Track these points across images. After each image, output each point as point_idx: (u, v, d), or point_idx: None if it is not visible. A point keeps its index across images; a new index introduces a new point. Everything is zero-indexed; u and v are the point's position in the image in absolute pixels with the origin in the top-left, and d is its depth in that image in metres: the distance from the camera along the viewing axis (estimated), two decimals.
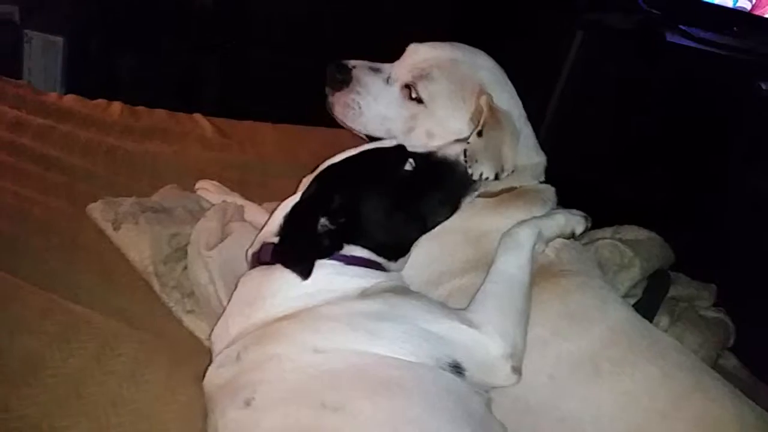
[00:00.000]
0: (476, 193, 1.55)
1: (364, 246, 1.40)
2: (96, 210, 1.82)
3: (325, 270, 1.33)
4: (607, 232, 1.86)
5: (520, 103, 1.69)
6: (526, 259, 1.44)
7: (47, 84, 3.16)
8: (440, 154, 1.51)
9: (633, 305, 1.64)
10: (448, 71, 1.60)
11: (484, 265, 1.48)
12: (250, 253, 1.47)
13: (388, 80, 1.64)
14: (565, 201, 1.70)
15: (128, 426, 1.10)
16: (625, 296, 1.69)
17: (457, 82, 1.60)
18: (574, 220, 1.59)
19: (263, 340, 1.24)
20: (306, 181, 1.51)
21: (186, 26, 3.78)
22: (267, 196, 2.03)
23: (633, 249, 1.73)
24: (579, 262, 1.57)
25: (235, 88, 3.84)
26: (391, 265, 1.46)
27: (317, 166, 1.53)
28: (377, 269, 1.41)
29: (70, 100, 2.49)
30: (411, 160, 1.47)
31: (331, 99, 1.66)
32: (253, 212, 1.87)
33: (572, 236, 1.59)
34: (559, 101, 3.73)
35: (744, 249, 2.97)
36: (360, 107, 1.63)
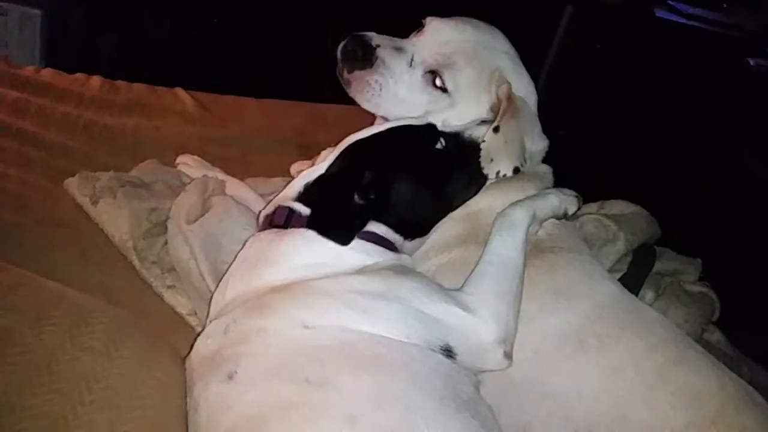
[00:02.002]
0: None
1: (386, 222, 1.39)
2: (73, 185, 1.79)
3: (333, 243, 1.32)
4: (593, 207, 1.86)
5: (534, 88, 1.66)
6: (522, 240, 1.42)
7: (25, 58, 3.09)
8: (467, 135, 1.49)
9: (618, 279, 1.64)
10: (471, 58, 1.56)
11: (474, 240, 1.47)
12: (263, 214, 1.45)
13: (411, 62, 1.57)
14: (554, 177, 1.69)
15: (102, 403, 1.07)
16: (610, 270, 1.69)
17: (480, 70, 1.56)
18: (568, 201, 1.57)
19: (252, 313, 1.22)
20: (326, 154, 1.48)
21: (168, 0, 3.71)
22: (249, 171, 2.01)
23: (617, 223, 1.73)
24: (567, 238, 1.56)
25: (218, 64, 3.78)
26: (406, 244, 1.45)
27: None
28: (387, 248, 1.39)
29: (47, 73, 2.44)
30: (442, 139, 1.46)
31: (347, 76, 1.58)
32: (235, 187, 1.84)
33: (565, 216, 1.58)
34: (548, 76, 3.71)
35: (729, 224, 2.99)
36: (380, 88, 1.56)
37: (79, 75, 2.51)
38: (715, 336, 1.88)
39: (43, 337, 1.10)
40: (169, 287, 1.63)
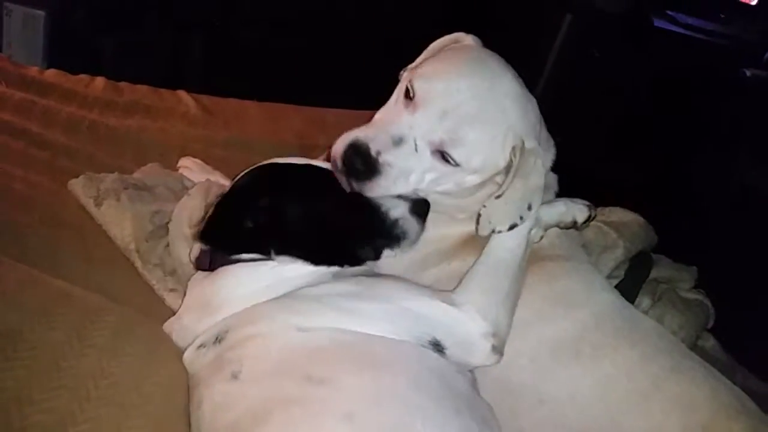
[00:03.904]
0: (404, 249, 1.45)
1: (299, 258, 1.36)
2: (77, 186, 1.80)
3: (268, 266, 1.35)
4: None
5: (536, 108, 1.54)
6: (519, 242, 1.43)
7: (29, 59, 3.09)
8: (384, 208, 1.43)
9: (615, 286, 1.65)
10: (478, 124, 1.42)
11: (474, 251, 1.47)
12: (192, 257, 1.47)
13: (416, 147, 1.43)
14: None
15: (109, 399, 1.09)
16: (608, 277, 1.70)
17: (490, 134, 1.43)
18: (576, 209, 1.55)
19: (244, 321, 1.26)
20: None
21: (170, 3, 3.73)
22: None
23: (617, 231, 1.74)
24: (568, 247, 1.57)
25: (219, 67, 3.80)
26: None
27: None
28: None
29: (51, 74, 2.45)
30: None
31: (358, 187, 1.44)
32: None
33: (574, 225, 1.55)
34: (547, 84, 3.73)
35: (725, 232, 3.01)
36: (394, 184, 1.43)
37: (83, 76, 2.52)
38: (710, 343, 1.90)
39: (50, 334, 1.12)
40: (171, 290, 1.63)
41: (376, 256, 1.44)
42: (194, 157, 2.06)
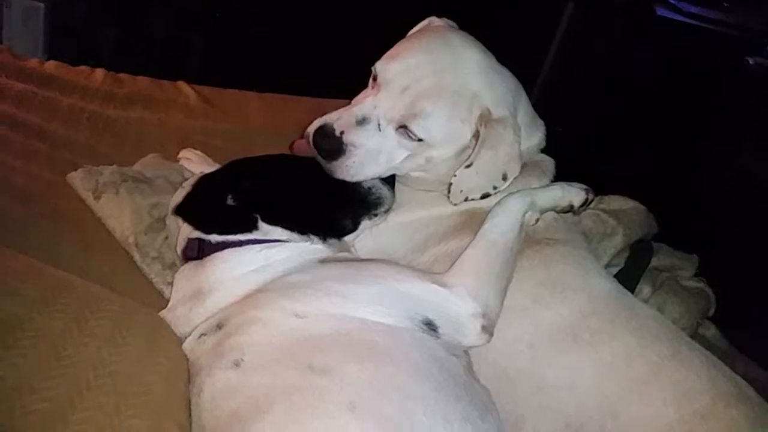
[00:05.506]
0: (378, 219, 1.57)
1: (285, 227, 1.43)
2: (76, 179, 1.80)
3: (256, 249, 1.38)
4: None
5: (509, 81, 1.57)
6: (512, 225, 1.45)
7: (28, 51, 3.09)
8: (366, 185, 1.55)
9: (615, 274, 1.66)
10: (437, 97, 1.46)
11: (471, 231, 1.48)
12: (178, 250, 1.50)
13: (379, 126, 1.49)
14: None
15: (109, 387, 1.10)
16: (608, 265, 1.71)
17: (451, 105, 1.47)
18: (572, 192, 1.56)
19: (244, 307, 1.27)
20: None
21: None
22: None
23: (616, 218, 1.75)
24: (564, 231, 1.58)
25: (219, 58, 3.80)
26: (333, 242, 1.49)
27: None
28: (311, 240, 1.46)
29: (51, 66, 2.45)
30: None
31: (327, 166, 1.51)
32: None
33: (570, 209, 1.57)
34: (549, 74, 3.72)
35: (726, 221, 3.01)
36: (361, 165, 1.50)
37: (83, 67, 2.52)
38: (711, 331, 1.91)
39: (50, 323, 1.13)
40: (170, 284, 1.62)
41: (355, 225, 1.53)
42: (194, 148, 2.06)
